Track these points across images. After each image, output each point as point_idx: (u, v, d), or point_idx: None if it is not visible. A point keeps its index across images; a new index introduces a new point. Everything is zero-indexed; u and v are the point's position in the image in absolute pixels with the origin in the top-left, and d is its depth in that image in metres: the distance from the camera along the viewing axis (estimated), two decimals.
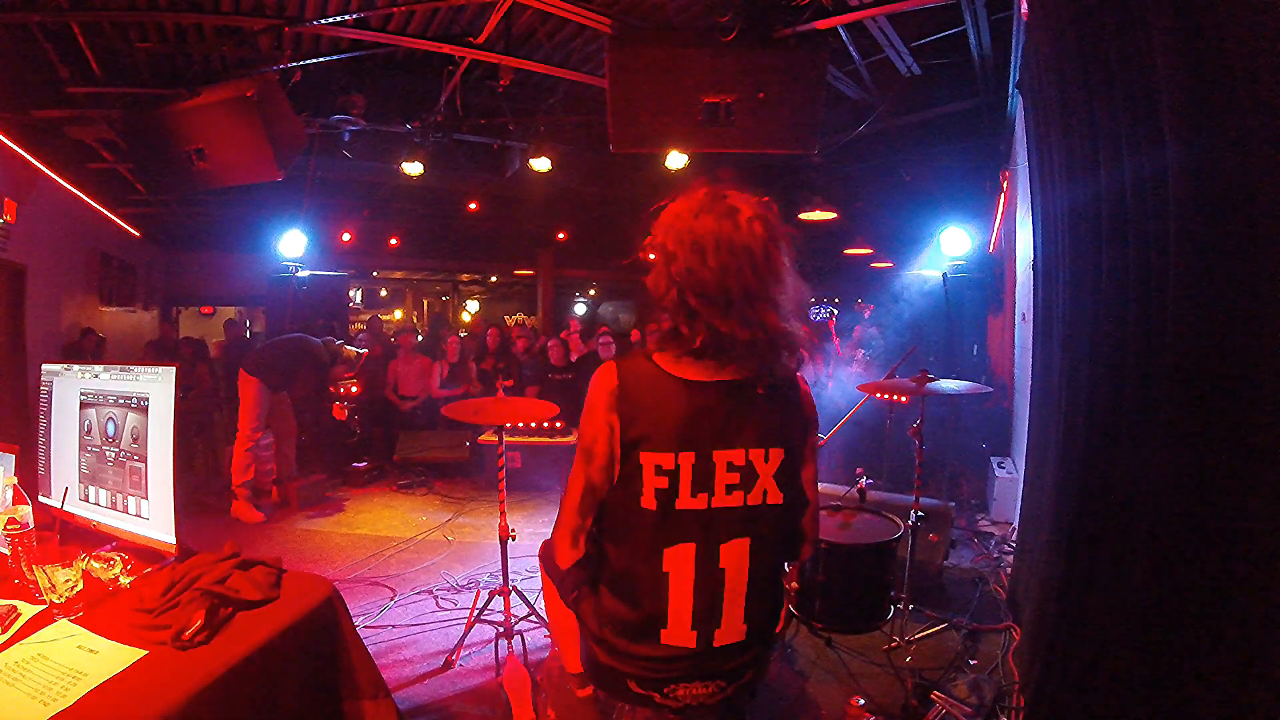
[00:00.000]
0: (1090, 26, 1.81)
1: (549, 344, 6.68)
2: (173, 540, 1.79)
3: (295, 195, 6.90)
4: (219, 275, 9.35)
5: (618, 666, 1.46)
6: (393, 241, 10.00)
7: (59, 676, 1.28)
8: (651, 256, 1.39)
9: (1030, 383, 3.38)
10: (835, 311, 10.99)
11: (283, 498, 5.13)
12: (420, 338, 7.81)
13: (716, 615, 1.39)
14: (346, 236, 8.77)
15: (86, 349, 6.33)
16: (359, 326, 10.39)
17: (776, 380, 1.39)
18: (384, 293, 14.32)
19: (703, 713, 1.45)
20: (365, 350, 5.91)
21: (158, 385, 1.82)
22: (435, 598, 3.49)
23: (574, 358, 6.59)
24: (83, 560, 1.65)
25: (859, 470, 3.18)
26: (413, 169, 5.92)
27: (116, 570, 1.69)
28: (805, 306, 1.44)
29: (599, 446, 1.37)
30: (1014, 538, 3.90)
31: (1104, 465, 1.73)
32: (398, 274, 13.67)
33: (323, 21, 4.09)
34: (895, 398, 4.73)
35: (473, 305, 15.33)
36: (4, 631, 1.42)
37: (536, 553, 1.83)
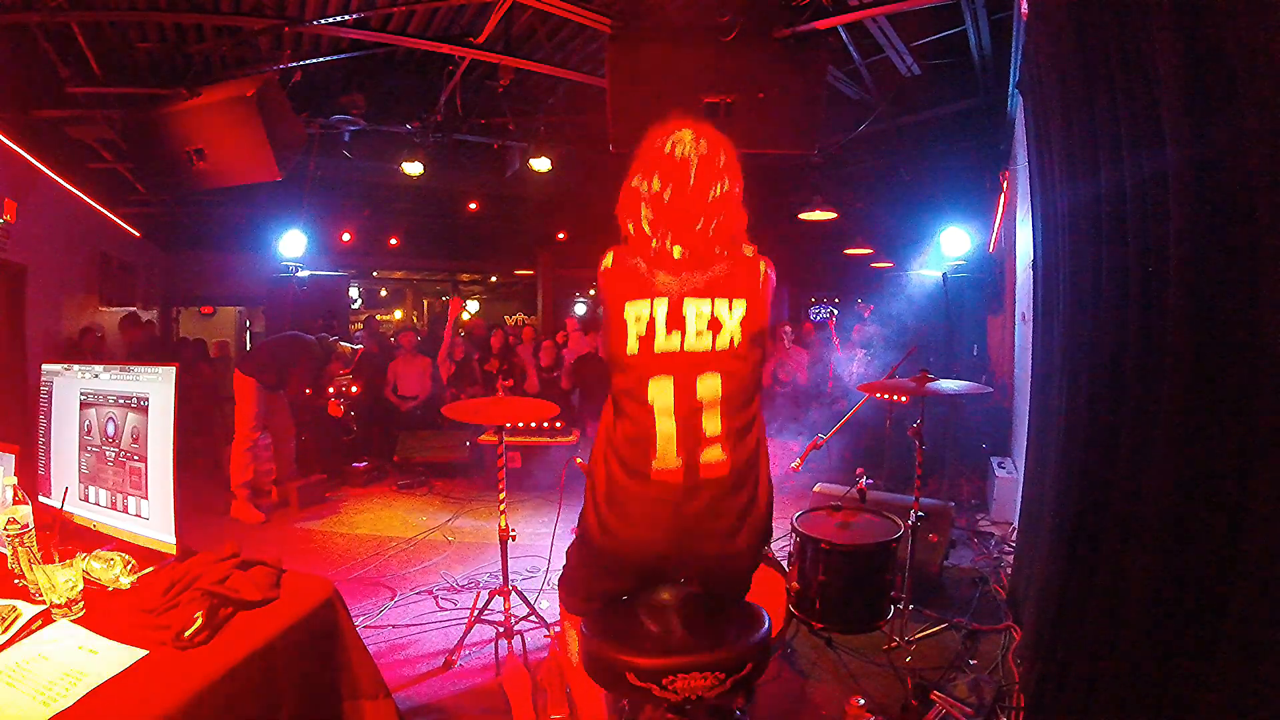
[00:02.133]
0: (1090, 26, 1.81)
1: (543, 345, 6.69)
2: (173, 540, 1.79)
3: (295, 195, 6.90)
4: (219, 275, 9.34)
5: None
6: (393, 241, 10.00)
7: (59, 676, 1.28)
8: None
9: (1030, 383, 3.38)
10: (835, 311, 11.01)
11: (282, 498, 5.13)
12: (420, 338, 7.79)
13: (699, 440, 1.61)
14: (346, 236, 8.76)
15: (86, 348, 6.32)
16: (357, 326, 10.40)
17: (732, 257, 1.66)
18: (384, 292, 14.32)
19: (701, 706, 1.45)
20: (360, 347, 5.88)
21: (158, 385, 1.82)
22: (435, 598, 3.49)
23: (573, 357, 6.59)
24: (83, 560, 1.65)
25: (859, 470, 3.18)
26: (413, 169, 5.92)
27: (116, 570, 1.69)
28: (735, 199, 1.67)
29: (613, 315, 1.65)
30: (1014, 538, 3.90)
31: (1104, 465, 1.73)
32: (398, 274, 13.67)
33: (323, 21, 4.09)
34: (895, 398, 4.73)
35: (473, 305, 15.33)
36: (4, 631, 1.42)
37: (557, 587, 1.96)
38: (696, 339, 1.62)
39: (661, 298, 1.62)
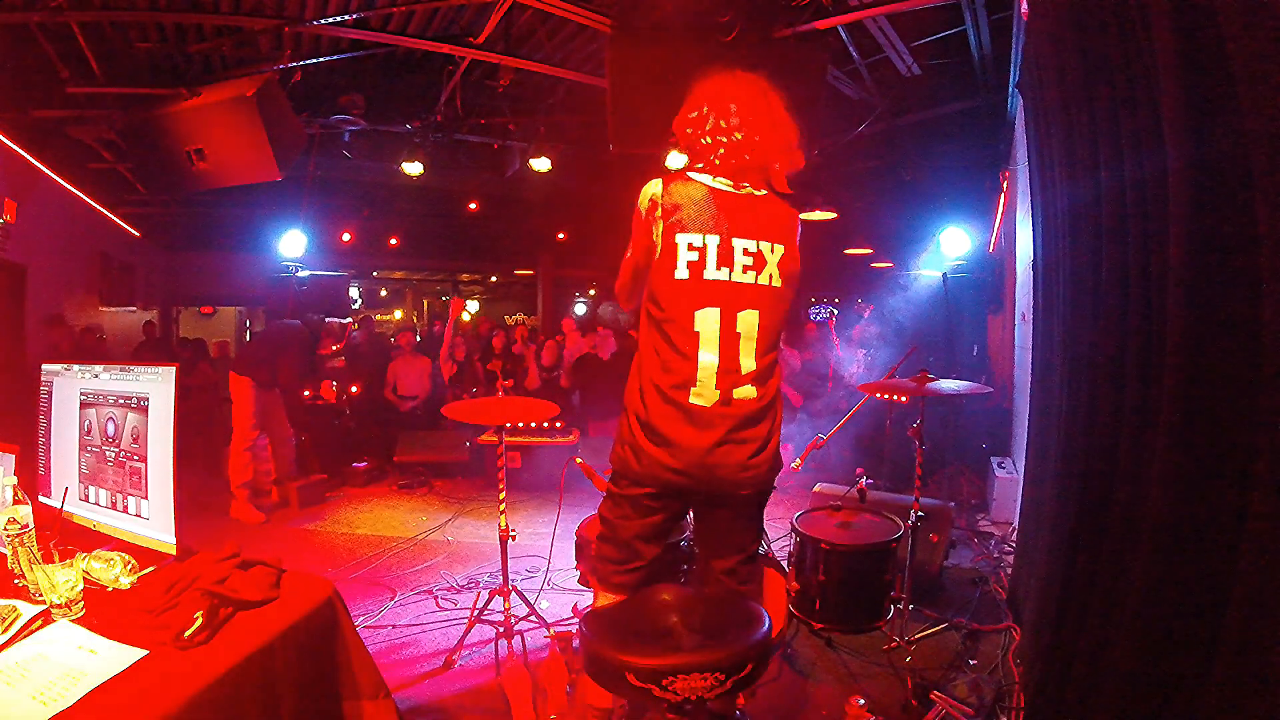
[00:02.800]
0: (1090, 26, 1.81)
1: (545, 344, 6.69)
2: (173, 540, 1.79)
3: (295, 195, 6.90)
4: (219, 275, 9.34)
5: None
6: (393, 241, 10.00)
7: (59, 676, 1.28)
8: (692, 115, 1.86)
9: (1030, 383, 3.38)
10: (835, 311, 11.00)
11: (282, 498, 5.12)
12: (420, 338, 7.79)
13: (736, 373, 1.77)
14: (346, 236, 8.76)
15: (85, 347, 6.32)
16: (356, 326, 10.39)
17: (774, 198, 1.85)
18: (384, 292, 14.32)
19: (702, 706, 1.45)
20: (350, 320, 5.79)
21: (158, 385, 1.82)
22: (435, 598, 3.49)
23: (573, 357, 6.59)
24: (83, 560, 1.65)
25: (859, 470, 3.18)
26: (413, 169, 5.92)
27: (116, 570, 1.69)
28: (793, 144, 1.86)
29: (642, 232, 1.82)
30: (1014, 538, 3.90)
31: (1104, 465, 1.73)
32: (398, 274, 13.68)
33: (323, 21, 4.10)
34: (895, 398, 4.73)
35: (473, 305, 15.33)
36: (4, 631, 1.42)
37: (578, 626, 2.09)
38: (743, 274, 1.77)
39: (714, 234, 1.76)
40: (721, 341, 1.76)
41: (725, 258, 1.76)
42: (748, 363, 1.78)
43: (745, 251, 1.77)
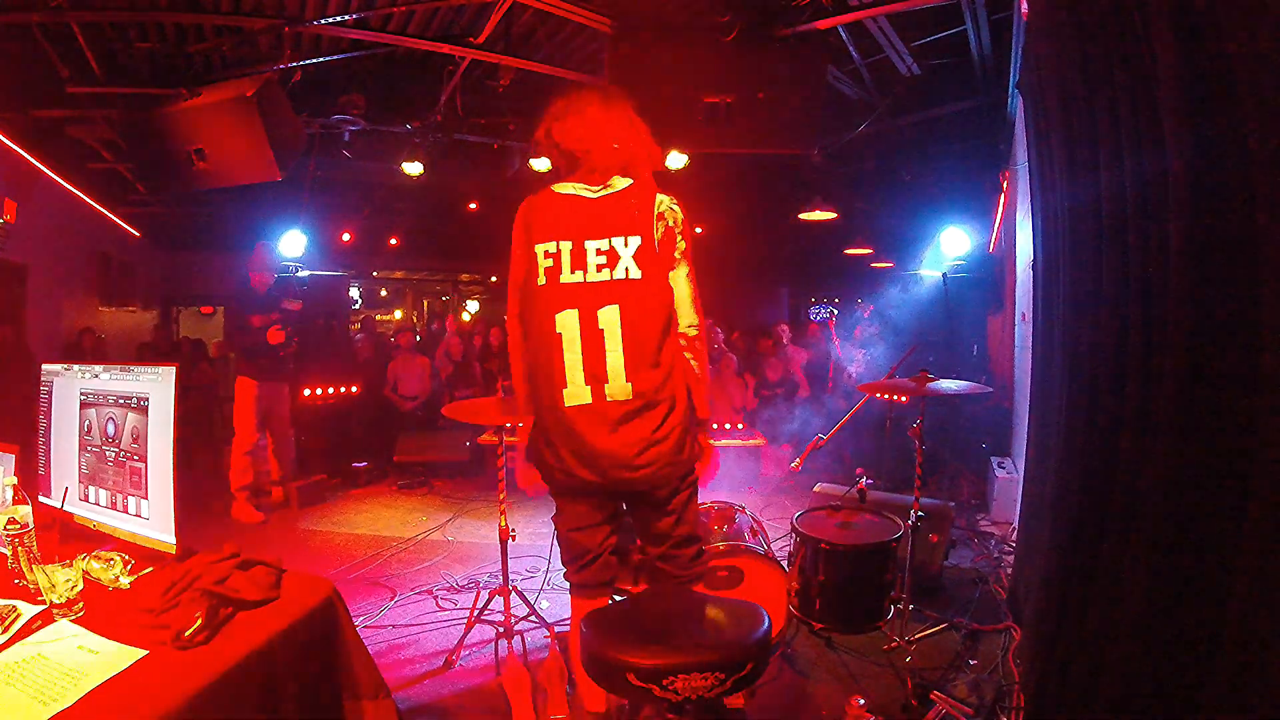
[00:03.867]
0: (1090, 26, 1.81)
1: None
2: (173, 540, 1.79)
3: (295, 195, 6.89)
4: (219, 275, 9.33)
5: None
6: (393, 241, 9.99)
7: (59, 676, 1.28)
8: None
9: (1030, 383, 3.38)
10: (835, 311, 11.00)
11: (285, 497, 5.12)
12: (419, 338, 7.79)
13: (602, 372, 1.86)
14: (346, 236, 8.76)
15: (85, 349, 6.32)
16: (358, 326, 10.39)
17: (632, 190, 1.93)
18: (384, 292, 14.31)
19: (702, 706, 1.45)
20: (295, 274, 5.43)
21: (158, 385, 1.82)
22: (435, 598, 3.49)
23: None
24: (83, 560, 1.65)
25: (859, 470, 3.18)
26: (413, 169, 5.92)
27: (116, 570, 1.69)
28: (650, 141, 2.00)
29: (516, 251, 1.96)
30: (1014, 538, 3.90)
31: (1104, 465, 1.73)
32: (398, 274, 13.66)
33: (323, 21, 4.09)
34: (895, 398, 4.73)
35: (473, 305, 15.32)
36: (4, 631, 1.42)
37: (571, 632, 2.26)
38: (597, 273, 1.88)
39: (566, 239, 1.89)
40: (584, 342, 1.86)
41: (578, 260, 1.88)
42: (615, 360, 1.86)
43: (598, 251, 1.88)
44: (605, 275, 1.88)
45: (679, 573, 2.08)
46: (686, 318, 1.96)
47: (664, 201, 1.93)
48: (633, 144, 1.95)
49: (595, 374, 1.87)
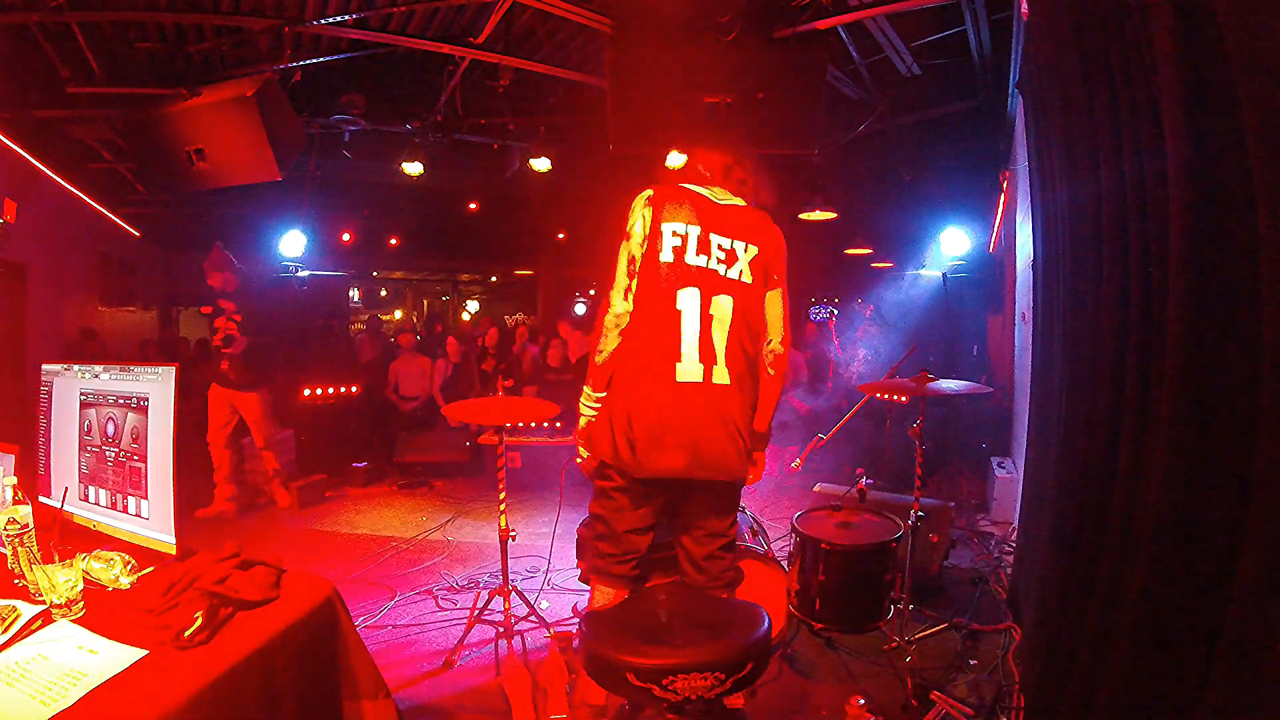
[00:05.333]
0: (1090, 26, 1.81)
1: (550, 344, 6.68)
2: (173, 540, 1.79)
3: (295, 195, 6.90)
4: None
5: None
6: (393, 241, 10.00)
7: (59, 676, 1.28)
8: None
9: (1030, 383, 3.38)
10: (835, 311, 10.99)
11: (276, 496, 5.10)
12: (419, 337, 7.78)
13: (712, 353, 1.96)
14: (346, 236, 8.77)
15: (86, 352, 6.31)
16: (359, 326, 10.39)
17: (751, 209, 2.11)
18: (384, 292, 14.32)
19: (702, 706, 1.45)
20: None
21: (158, 385, 1.82)
22: (435, 598, 3.49)
23: (575, 357, 6.59)
24: (83, 560, 1.65)
25: (859, 470, 3.17)
26: (413, 169, 5.92)
27: (116, 570, 1.69)
28: (770, 187, 2.25)
29: (636, 227, 2.01)
30: (1014, 538, 3.90)
31: (1104, 464, 1.73)
32: (398, 274, 13.67)
33: (323, 21, 4.09)
34: (895, 398, 4.73)
35: (473, 305, 15.32)
36: (4, 631, 1.42)
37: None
38: (717, 264, 1.99)
39: (695, 225, 2.00)
40: (701, 320, 1.96)
41: (704, 247, 1.99)
42: (720, 345, 1.96)
43: (720, 247, 2.00)
44: (723, 270, 2.00)
45: (712, 582, 2.09)
46: (777, 333, 2.07)
47: (777, 232, 2.10)
48: (754, 178, 2.17)
49: (707, 354, 1.95)
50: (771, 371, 2.08)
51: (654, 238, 1.98)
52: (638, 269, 2.00)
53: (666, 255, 1.97)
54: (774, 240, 2.08)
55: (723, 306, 1.97)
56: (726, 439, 1.95)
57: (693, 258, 1.97)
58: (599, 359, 2.03)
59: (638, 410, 1.94)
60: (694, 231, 1.99)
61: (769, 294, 2.06)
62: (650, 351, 1.96)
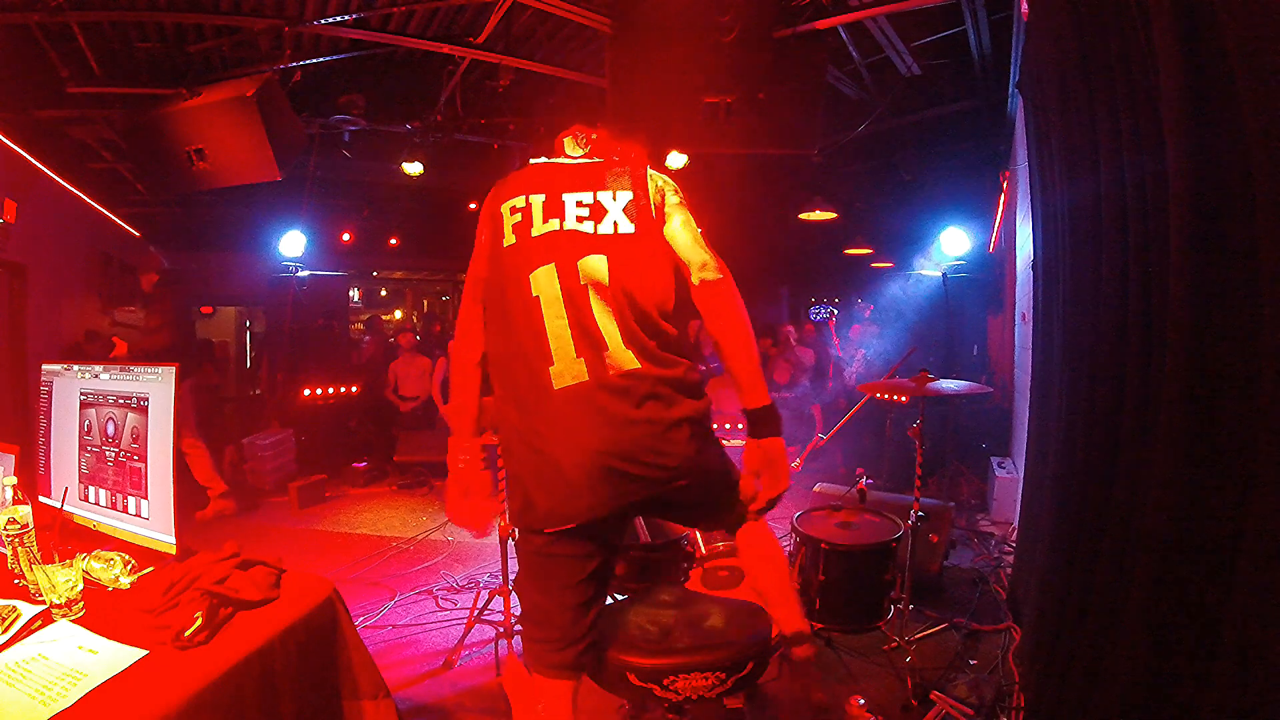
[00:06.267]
0: (1090, 26, 1.81)
1: None
2: (173, 540, 1.79)
3: (295, 195, 6.89)
4: (219, 275, 9.34)
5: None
6: (393, 241, 9.99)
7: (59, 676, 1.28)
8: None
9: (1030, 383, 3.38)
10: (835, 311, 11.00)
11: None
12: (419, 337, 7.78)
13: (597, 337, 1.45)
14: (346, 236, 8.77)
15: (90, 354, 6.30)
16: (359, 326, 10.38)
17: (617, 157, 1.66)
18: (384, 292, 14.31)
19: (702, 706, 1.45)
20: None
21: (158, 385, 1.82)
22: (435, 598, 3.49)
23: None
24: (83, 560, 1.65)
25: (859, 470, 3.17)
26: (413, 169, 5.92)
27: (116, 570, 1.69)
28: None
29: (479, 233, 1.64)
30: (1014, 538, 3.90)
31: (1104, 464, 1.73)
32: (398, 274, 13.66)
33: (323, 21, 4.09)
34: (895, 398, 4.73)
35: None
36: (4, 631, 1.42)
37: None
38: (577, 224, 1.53)
39: (538, 193, 1.57)
40: (566, 299, 1.47)
41: (553, 209, 1.55)
42: (607, 322, 1.45)
43: (579, 204, 1.55)
44: (589, 228, 1.53)
45: (756, 523, 1.69)
46: (697, 259, 1.56)
47: (656, 174, 1.66)
48: (606, 132, 1.74)
49: (591, 339, 1.44)
50: (720, 307, 1.53)
51: (493, 230, 1.60)
52: (481, 275, 1.62)
53: (509, 238, 1.55)
54: (640, 169, 1.62)
55: (595, 269, 1.48)
56: (654, 434, 1.42)
57: (540, 227, 1.53)
58: (454, 404, 1.65)
59: (516, 449, 1.48)
60: (537, 200, 1.56)
61: (667, 230, 1.58)
62: (514, 364, 1.50)
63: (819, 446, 3.30)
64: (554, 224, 1.53)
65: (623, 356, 1.45)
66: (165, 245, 8.51)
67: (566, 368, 1.44)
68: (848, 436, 4.85)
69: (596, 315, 1.46)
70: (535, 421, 1.46)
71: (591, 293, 1.48)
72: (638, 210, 1.56)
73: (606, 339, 1.45)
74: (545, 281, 1.49)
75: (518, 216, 1.56)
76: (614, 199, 1.57)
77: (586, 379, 1.43)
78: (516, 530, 1.55)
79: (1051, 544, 2.25)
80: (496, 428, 1.58)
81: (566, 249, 1.51)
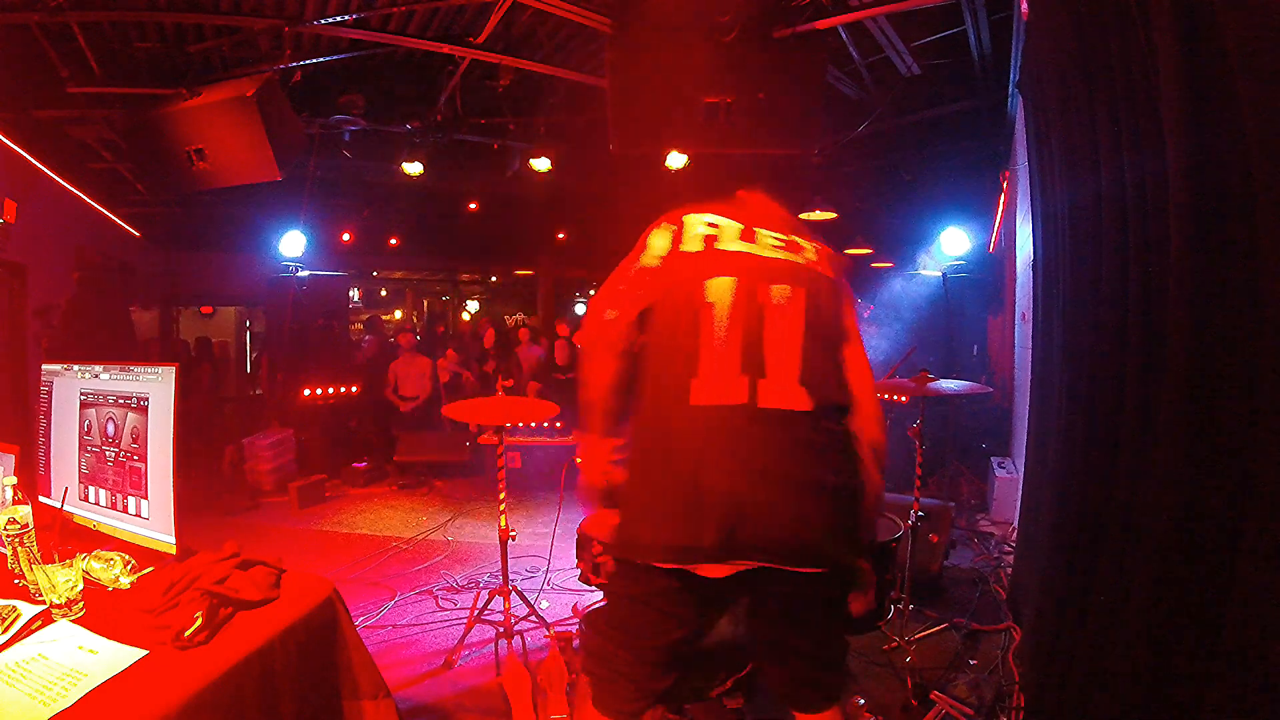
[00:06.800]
0: (1090, 26, 1.81)
1: (556, 344, 6.68)
2: (173, 540, 1.79)
3: (295, 195, 6.89)
4: (219, 275, 9.34)
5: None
6: (393, 241, 10.00)
7: (59, 676, 1.28)
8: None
9: (1030, 383, 3.38)
10: None
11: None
12: (419, 338, 7.79)
13: (759, 359, 1.26)
14: (346, 236, 8.77)
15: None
16: (359, 326, 10.38)
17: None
18: (384, 292, 14.31)
19: (702, 706, 1.44)
20: None
21: (158, 385, 1.82)
22: (435, 598, 3.49)
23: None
24: (83, 560, 1.65)
25: None
26: (413, 169, 5.92)
27: (116, 570, 1.69)
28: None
29: (656, 241, 1.46)
30: (1014, 538, 3.90)
31: (1104, 464, 1.73)
32: (398, 274, 13.66)
33: (323, 21, 4.09)
34: (895, 397, 4.73)
35: (473, 305, 15.32)
36: (4, 631, 1.42)
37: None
38: (772, 251, 1.40)
39: (735, 221, 1.44)
40: (743, 315, 1.30)
41: (748, 236, 1.43)
42: (784, 352, 1.27)
43: (775, 237, 1.44)
44: (783, 255, 1.39)
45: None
46: (874, 416, 1.39)
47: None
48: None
49: (758, 364, 1.26)
50: (870, 465, 1.35)
51: (669, 239, 1.46)
52: (648, 271, 1.45)
53: (693, 245, 1.42)
54: (839, 267, 1.51)
55: (783, 296, 1.33)
56: (795, 496, 1.21)
57: (730, 244, 1.40)
58: (588, 394, 1.45)
59: (640, 462, 1.32)
60: (733, 225, 1.44)
61: (848, 347, 1.42)
62: (658, 367, 1.36)
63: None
64: (745, 246, 1.41)
65: (789, 394, 1.26)
66: (165, 245, 8.52)
67: (715, 385, 1.26)
68: None
69: (773, 341, 1.30)
70: (671, 429, 1.29)
71: (774, 317, 1.32)
72: (831, 262, 1.46)
73: (778, 368, 1.28)
74: (721, 291, 1.34)
75: (709, 230, 1.44)
76: (810, 243, 1.48)
77: (742, 403, 1.25)
78: (611, 560, 1.36)
79: (1051, 544, 2.25)
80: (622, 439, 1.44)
81: (754, 271, 1.36)
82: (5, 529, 1.56)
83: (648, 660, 1.33)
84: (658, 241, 1.47)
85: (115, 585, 1.66)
